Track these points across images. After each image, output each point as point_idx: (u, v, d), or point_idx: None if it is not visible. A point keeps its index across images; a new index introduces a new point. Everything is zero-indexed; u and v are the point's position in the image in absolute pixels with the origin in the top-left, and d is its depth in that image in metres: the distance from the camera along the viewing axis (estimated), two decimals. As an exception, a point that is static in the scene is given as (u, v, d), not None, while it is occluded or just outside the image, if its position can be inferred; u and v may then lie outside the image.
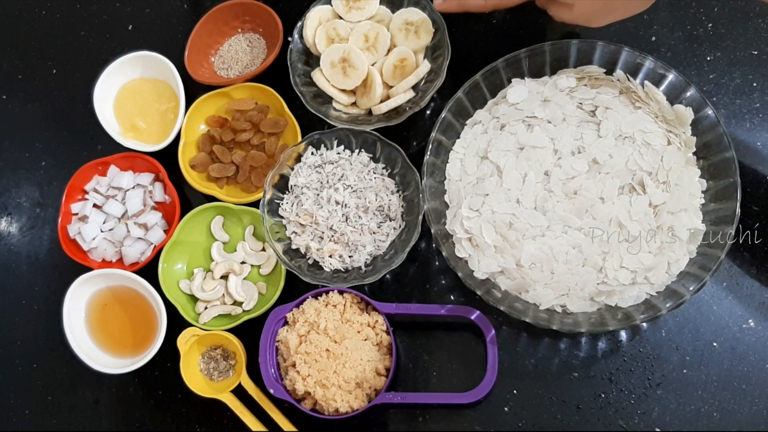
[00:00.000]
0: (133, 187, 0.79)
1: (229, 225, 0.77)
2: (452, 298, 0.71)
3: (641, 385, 0.66)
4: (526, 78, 0.72)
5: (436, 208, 0.69)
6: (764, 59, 0.73)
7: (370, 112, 0.76)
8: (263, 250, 0.76)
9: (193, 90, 0.81)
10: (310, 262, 0.72)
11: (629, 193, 0.66)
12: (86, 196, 0.80)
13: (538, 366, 0.68)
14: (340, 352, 0.66)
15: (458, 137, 0.72)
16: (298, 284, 0.72)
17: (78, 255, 0.77)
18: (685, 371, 0.66)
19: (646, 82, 0.69)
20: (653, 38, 0.75)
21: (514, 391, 0.68)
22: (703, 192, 0.67)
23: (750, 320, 0.66)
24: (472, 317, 0.67)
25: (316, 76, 0.76)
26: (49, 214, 0.84)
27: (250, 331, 0.72)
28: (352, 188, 0.72)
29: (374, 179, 0.73)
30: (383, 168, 0.74)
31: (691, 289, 0.62)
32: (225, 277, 0.75)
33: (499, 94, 0.73)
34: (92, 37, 0.90)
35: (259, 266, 0.76)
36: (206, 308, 0.74)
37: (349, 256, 0.71)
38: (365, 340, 0.68)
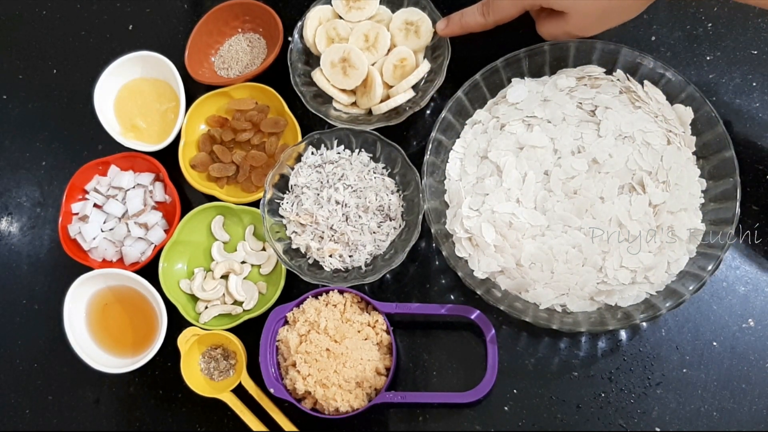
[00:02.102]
0: (134, 187, 0.79)
1: (230, 225, 0.78)
2: (452, 297, 0.71)
3: (641, 384, 0.66)
4: (525, 78, 0.72)
5: (436, 207, 0.69)
6: (764, 59, 0.73)
7: (370, 112, 0.76)
8: (263, 249, 0.76)
9: (193, 90, 0.82)
10: (311, 261, 0.72)
11: (629, 193, 0.66)
12: (87, 196, 0.80)
13: (538, 365, 0.68)
14: (340, 352, 0.66)
15: (458, 137, 0.73)
16: (298, 284, 0.72)
17: (78, 255, 0.77)
18: (684, 371, 0.66)
19: (646, 82, 0.69)
20: (653, 38, 0.75)
21: (514, 391, 0.68)
22: (702, 192, 0.67)
23: (750, 320, 0.66)
24: (472, 317, 0.67)
25: (316, 76, 0.76)
26: (49, 213, 0.84)
27: (250, 331, 0.72)
28: (352, 188, 0.72)
29: (374, 179, 0.73)
30: (383, 168, 0.74)
31: (690, 288, 0.62)
32: (225, 276, 0.75)
33: (499, 93, 0.73)
34: (92, 37, 0.90)
35: (259, 266, 0.76)
36: (206, 308, 0.74)
37: (349, 256, 0.71)
38: (365, 339, 0.68)
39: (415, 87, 0.75)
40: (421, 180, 0.69)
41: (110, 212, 0.78)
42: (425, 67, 0.74)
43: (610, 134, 0.67)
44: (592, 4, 0.62)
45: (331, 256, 0.71)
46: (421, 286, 0.72)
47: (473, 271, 0.67)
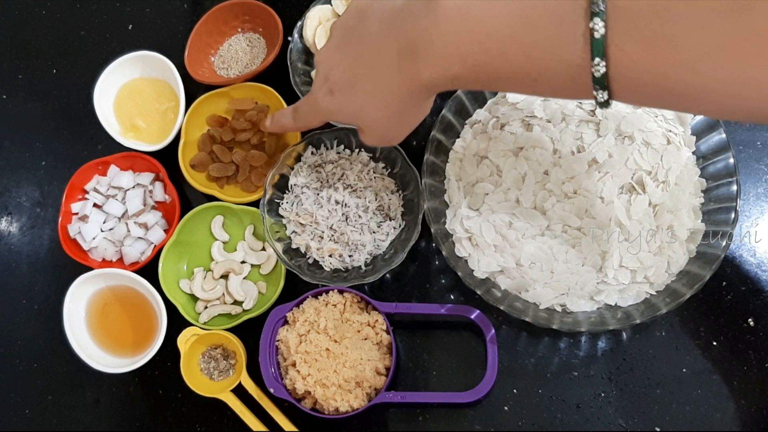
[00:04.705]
0: (133, 187, 0.79)
1: (229, 224, 0.78)
2: (452, 297, 0.71)
3: (641, 384, 0.66)
4: None
5: (435, 207, 0.69)
6: (764, 59, 0.73)
7: (370, 112, 0.76)
8: (263, 249, 0.76)
9: (193, 90, 0.82)
10: (310, 261, 0.72)
11: (629, 193, 0.66)
12: (86, 196, 0.80)
13: (538, 365, 0.68)
14: (340, 352, 0.66)
15: (458, 137, 0.73)
16: (298, 284, 0.72)
17: (78, 254, 0.77)
18: (684, 370, 0.66)
19: (646, 82, 0.69)
20: (653, 38, 0.75)
21: (514, 391, 0.68)
22: (702, 191, 0.67)
23: (750, 319, 0.66)
24: (472, 316, 0.67)
25: (316, 75, 0.76)
26: (49, 213, 0.84)
27: (250, 331, 0.72)
28: (351, 188, 0.72)
29: (374, 179, 0.73)
30: (383, 167, 0.74)
31: (691, 288, 0.62)
32: (225, 276, 0.75)
33: (498, 93, 0.73)
34: (92, 37, 0.90)
35: (259, 266, 0.76)
36: (206, 308, 0.74)
37: (349, 256, 0.71)
38: (365, 339, 0.68)
39: (414, 87, 0.75)
40: (420, 180, 0.69)
41: (110, 212, 0.78)
42: (425, 66, 0.74)
43: (610, 134, 0.67)
44: (373, 117, 0.56)
45: (330, 255, 0.71)
46: (421, 286, 0.72)
47: (473, 270, 0.67)
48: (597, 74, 0.43)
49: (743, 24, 0.38)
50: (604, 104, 0.45)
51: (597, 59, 0.42)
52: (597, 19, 0.41)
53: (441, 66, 0.48)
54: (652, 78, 0.42)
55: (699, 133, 0.67)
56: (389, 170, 0.74)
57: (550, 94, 0.48)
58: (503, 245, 0.66)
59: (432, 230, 0.67)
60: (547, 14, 0.43)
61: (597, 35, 0.41)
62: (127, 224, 0.77)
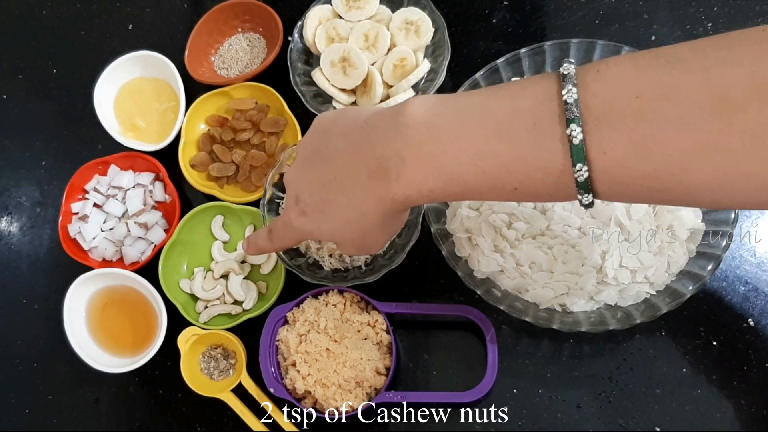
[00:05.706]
0: (134, 187, 0.79)
1: (230, 224, 0.78)
2: (452, 297, 0.71)
3: (641, 384, 0.66)
4: (526, 77, 0.72)
5: (435, 207, 0.69)
6: (764, 59, 0.73)
7: (370, 112, 0.76)
8: (263, 249, 0.76)
9: (193, 89, 0.82)
10: (310, 261, 0.72)
11: (629, 193, 0.66)
12: (86, 196, 0.80)
13: (538, 365, 0.68)
14: (340, 352, 0.66)
15: (458, 137, 0.72)
16: (298, 284, 0.72)
17: (78, 254, 0.77)
18: (684, 370, 0.66)
19: (646, 82, 0.69)
20: (653, 38, 0.75)
21: (514, 390, 0.68)
22: (702, 191, 0.67)
23: (750, 319, 0.66)
24: (472, 316, 0.67)
25: (316, 75, 0.76)
26: (49, 213, 0.84)
27: (250, 331, 0.72)
28: (352, 188, 0.72)
29: (374, 179, 0.73)
30: (383, 167, 0.74)
31: (690, 288, 0.62)
32: (225, 276, 0.75)
33: (499, 93, 0.73)
34: (92, 37, 0.90)
35: (259, 265, 0.76)
36: (206, 307, 0.74)
37: (349, 256, 0.71)
38: (365, 339, 0.68)
39: (415, 87, 0.75)
40: (421, 180, 0.69)
41: (110, 212, 0.78)
42: (425, 66, 0.74)
43: (610, 134, 0.67)
44: (349, 237, 0.55)
45: (330, 255, 0.71)
46: (421, 286, 0.72)
47: (473, 270, 0.67)
48: (580, 179, 0.41)
49: (736, 120, 0.36)
50: (589, 205, 0.43)
51: (579, 165, 0.40)
52: (573, 125, 0.40)
53: (415, 184, 0.46)
54: (640, 180, 0.40)
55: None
56: (389, 170, 0.74)
57: (532, 200, 0.46)
58: (503, 245, 0.66)
59: (432, 230, 0.67)
60: (521, 124, 0.42)
61: (575, 141, 0.40)
62: (127, 224, 0.77)
